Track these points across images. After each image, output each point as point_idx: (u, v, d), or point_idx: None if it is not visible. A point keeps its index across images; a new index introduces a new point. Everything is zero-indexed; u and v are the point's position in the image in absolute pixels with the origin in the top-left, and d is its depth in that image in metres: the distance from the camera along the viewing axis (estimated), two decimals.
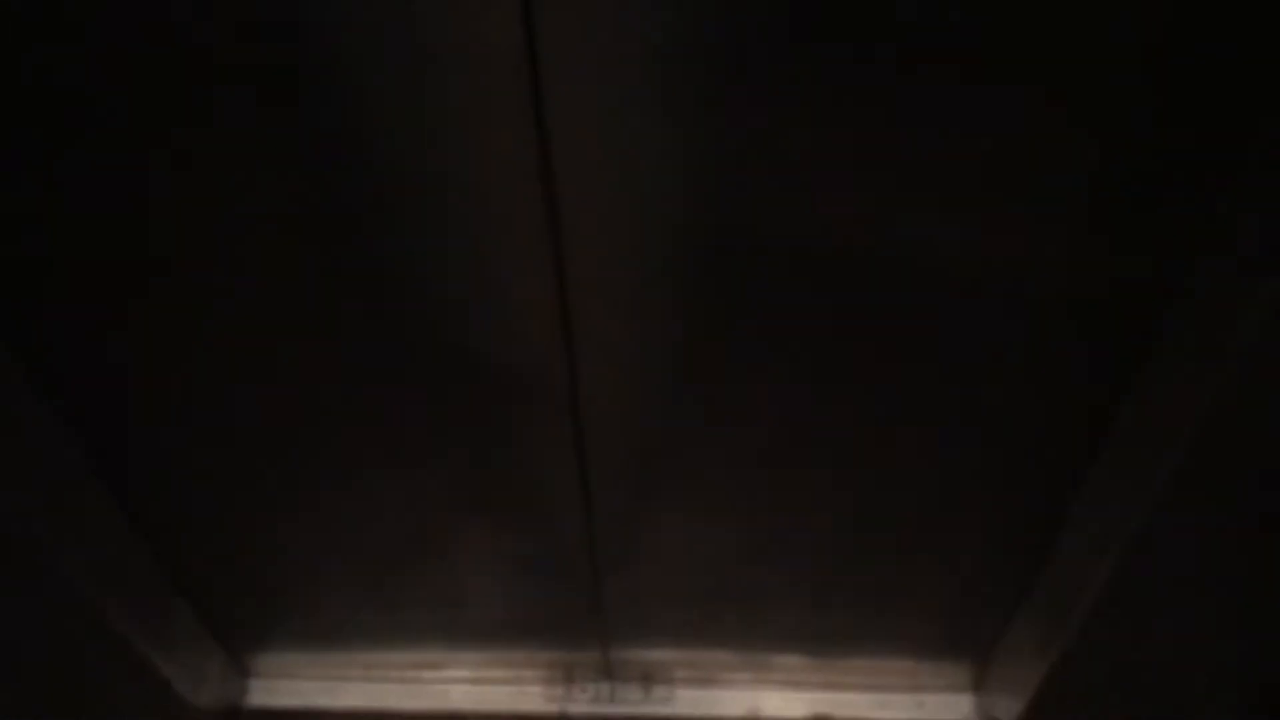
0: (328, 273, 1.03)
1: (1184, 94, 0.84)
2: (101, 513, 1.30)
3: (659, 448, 1.25)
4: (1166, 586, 1.23)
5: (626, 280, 1.03)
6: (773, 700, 1.67)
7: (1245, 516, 1.13)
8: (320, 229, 0.99)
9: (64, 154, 0.93)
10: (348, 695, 1.69)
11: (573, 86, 0.85)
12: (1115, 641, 1.32)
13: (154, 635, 1.42)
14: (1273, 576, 1.20)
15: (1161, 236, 0.95)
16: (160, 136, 0.91)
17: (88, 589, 1.30)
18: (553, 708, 1.68)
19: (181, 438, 1.25)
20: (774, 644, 1.62)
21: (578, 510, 1.34)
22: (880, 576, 1.45)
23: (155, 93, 0.87)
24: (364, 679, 1.70)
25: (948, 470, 1.25)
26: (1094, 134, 0.88)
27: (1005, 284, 1.01)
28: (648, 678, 1.69)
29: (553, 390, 1.15)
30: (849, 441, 1.22)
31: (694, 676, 1.68)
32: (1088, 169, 0.91)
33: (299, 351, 1.12)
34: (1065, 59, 0.83)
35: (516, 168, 0.91)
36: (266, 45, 0.83)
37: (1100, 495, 1.21)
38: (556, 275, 1.01)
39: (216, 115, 0.89)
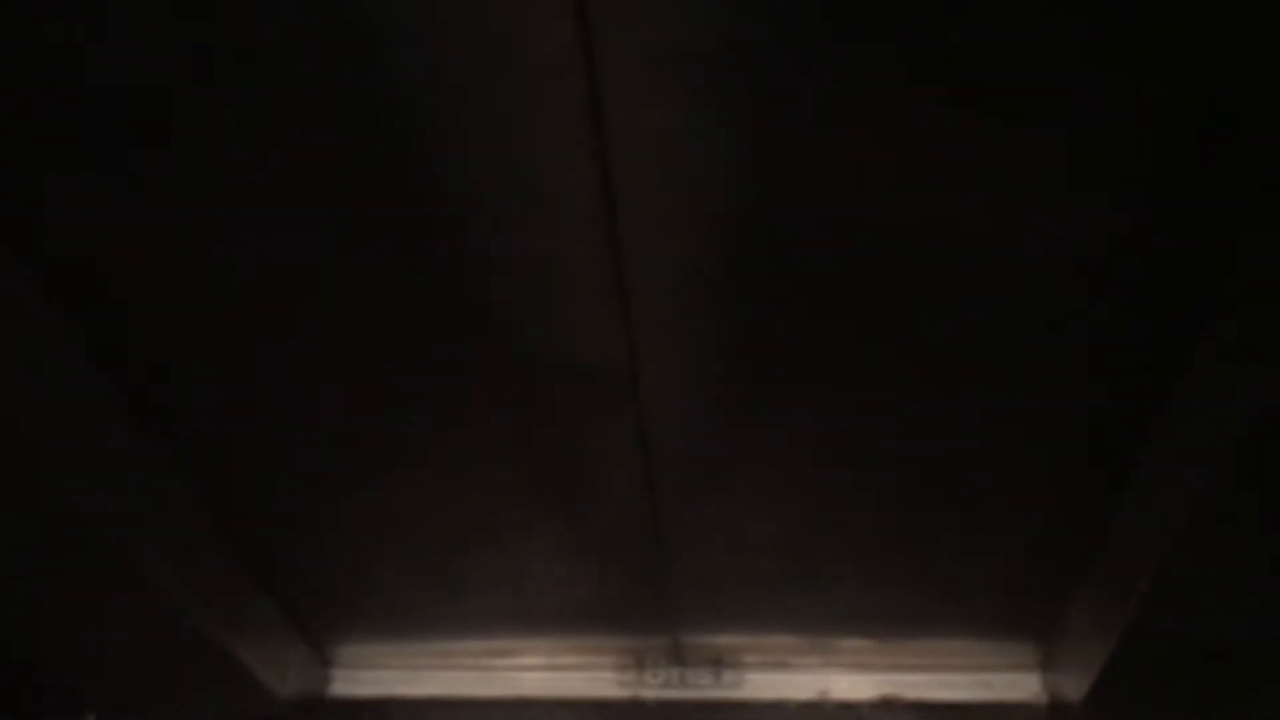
0: (394, 272, 1.06)
1: (1231, 74, 0.85)
2: (185, 510, 1.34)
3: (720, 433, 1.26)
4: (1228, 561, 1.21)
5: (685, 270, 1.05)
6: (841, 682, 1.68)
7: None
8: (386, 228, 1.02)
9: (149, 166, 0.97)
10: (425, 684, 1.73)
11: (628, 88, 0.88)
12: (1180, 617, 1.31)
13: (239, 629, 1.47)
14: None
15: (1218, 211, 0.95)
16: (238, 138, 0.94)
17: (174, 585, 1.34)
18: (625, 693, 1.71)
19: (259, 434, 1.29)
20: (841, 627, 1.63)
21: (642, 496, 1.36)
22: (943, 557, 1.46)
23: (235, 97, 0.91)
24: (440, 667, 1.74)
25: (1007, 449, 1.25)
26: (1147, 117, 0.88)
27: (1063, 265, 1.01)
28: (718, 662, 1.71)
29: (615, 379, 1.17)
30: (908, 424, 1.23)
31: (763, 660, 1.70)
32: (1142, 149, 0.91)
33: (370, 348, 1.16)
34: (1112, 42, 0.84)
35: (575, 166, 0.93)
36: (334, 57, 0.87)
37: (1161, 469, 1.20)
38: (615, 266, 1.03)
39: (285, 119, 0.93)
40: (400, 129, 0.92)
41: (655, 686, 1.71)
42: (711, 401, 1.22)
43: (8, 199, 0.99)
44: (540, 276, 1.06)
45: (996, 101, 0.88)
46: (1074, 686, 1.52)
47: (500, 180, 0.96)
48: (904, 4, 0.82)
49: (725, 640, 1.68)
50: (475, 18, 0.83)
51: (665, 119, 0.91)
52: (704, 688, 1.70)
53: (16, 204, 1.00)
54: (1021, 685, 1.65)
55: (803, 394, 1.20)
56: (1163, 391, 1.14)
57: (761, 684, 1.70)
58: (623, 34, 0.84)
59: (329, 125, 0.92)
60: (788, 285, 1.06)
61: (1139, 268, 1.01)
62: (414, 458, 1.32)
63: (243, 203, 1.00)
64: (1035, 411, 1.20)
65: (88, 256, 1.06)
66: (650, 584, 1.53)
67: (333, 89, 0.89)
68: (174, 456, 1.28)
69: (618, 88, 0.88)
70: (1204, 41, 0.83)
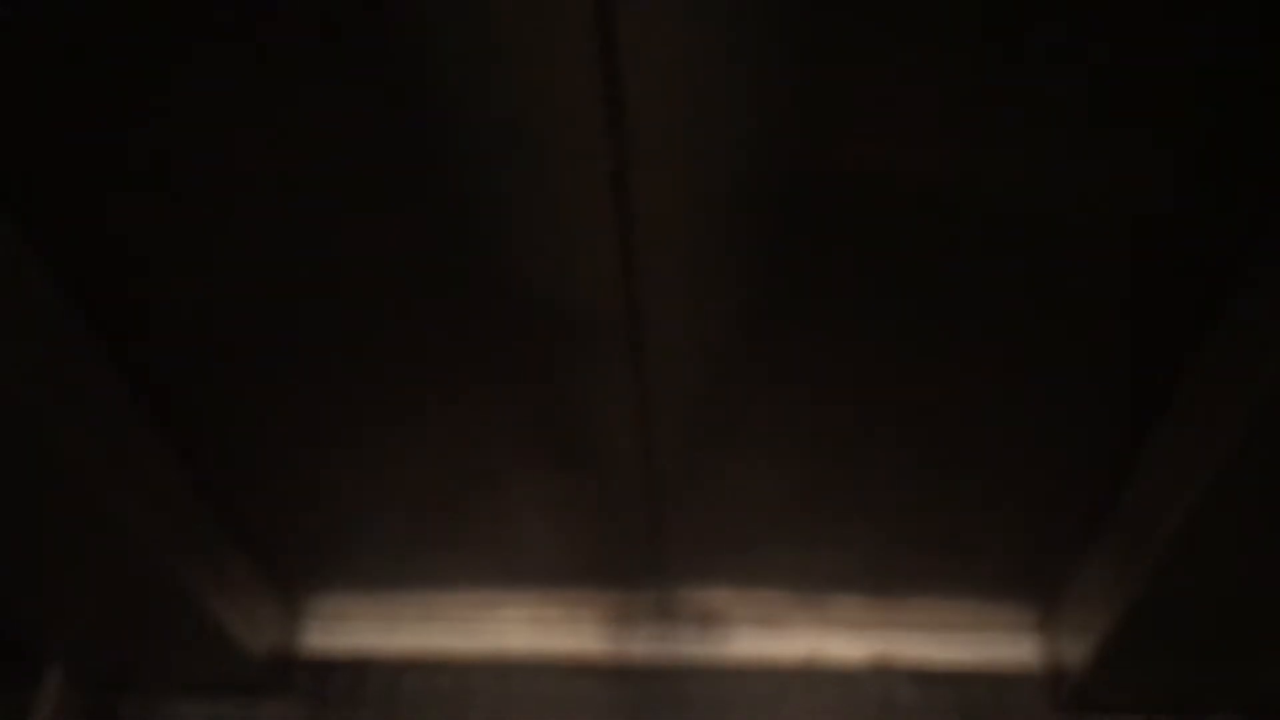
0: (385, 207, 0.99)
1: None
2: (155, 457, 1.28)
3: (722, 386, 1.22)
4: (1249, 526, 1.19)
5: (693, 216, 1.00)
6: (832, 641, 1.65)
7: None
8: (378, 163, 0.95)
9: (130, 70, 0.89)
10: (403, 637, 1.68)
11: (643, 21, 0.81)
12: (1195, 581, 1.28)
13: (210, 581, 1.41)
14: None
15: (1249, 166, 0.90)
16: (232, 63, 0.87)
17: (143, 531, 1.28)
18: (609, 647, 1.67)
19: (233, 376, 1.23)
20: (834, 585, 1.60)
21: (637, 449, 1.31)
22: (949, 516, 1.43)
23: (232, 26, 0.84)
24: (419, 620, 1.70)
25: (1022, 407, 1.22)
26: (1185, 65, 0.83)
27: (1087, 222, 0.97)
28: (705, 618, 1.67)
29: (614, 326, 1.12)
30: (921, 381, 1.19)
31: (753, 617, 1.67)
32: (1183, 96, 0.86)
33: (354, 287, 1.10)
34: None
35: (582, 101, 0.87)
36: None
37: (1179, 431, 1.17)
38: (620, 209, 0.97)
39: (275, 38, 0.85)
40: (398, 59, 0.85)
41: (641, 642, 1.67)
42: (716, 353, 1.17)
43: None
44: (542, 218, 1.00)
45: (1032, 45, 0.83)
46: (1077, 648, 1.50)
47: (502, 110, 0.89)
48: None
49: (716, 596, 1.65)
50: None
51: (684, 49, 0.84)
52: (691, 644, 1.67)
53: None
54: (1021, 646, 1.62)
55: (812, 348, 1.15)
56: (1186, 353, 1.11)
57: (750, 641, 1.66)
58: None
59: (329, 70, 0.86)
60: (803, 235, 1.01)
61: (1170, 227, 0.97)
62: (399, 406, 1.26)
63: (235, 124, 0.93)
64: (1053, 370, 1.16)
65: (69, 188, 0.99)
66: (643, 538, 1.50)
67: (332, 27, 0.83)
68: (147, 401, 1.22)
69: (633, 21, 0.81)
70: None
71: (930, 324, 1.11)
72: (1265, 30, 0.80)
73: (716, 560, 1.57)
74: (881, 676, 1.63)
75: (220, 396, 1.26)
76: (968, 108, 0.88)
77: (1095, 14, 0.80)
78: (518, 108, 0.89)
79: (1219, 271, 1.01)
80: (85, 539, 1.29)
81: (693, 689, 1.64)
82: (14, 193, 0.98)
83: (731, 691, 1.64)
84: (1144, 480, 1.26)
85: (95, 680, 1.62)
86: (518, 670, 1.66)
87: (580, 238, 1.02)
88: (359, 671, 1.67)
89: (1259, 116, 0.87)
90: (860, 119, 0.89)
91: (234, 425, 1.31)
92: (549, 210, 0.99)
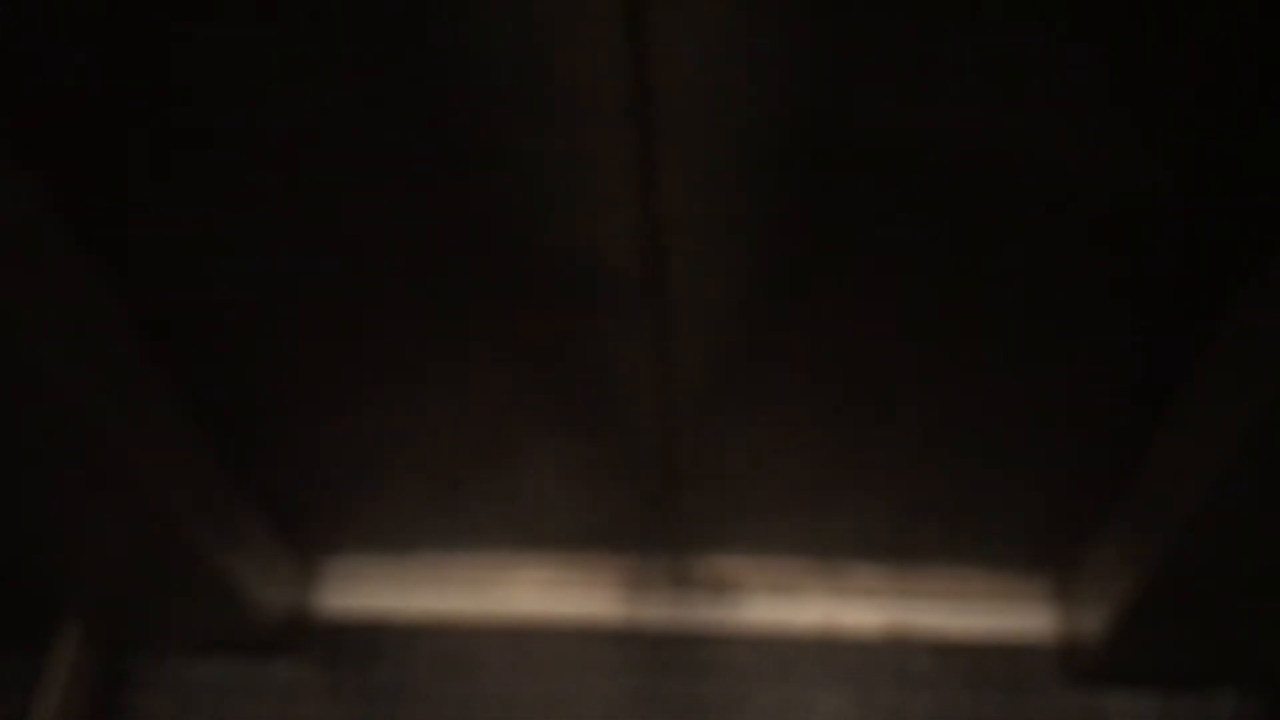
0: (403, 163, 0.98)
1: None
2: (173, 415, 1.27)
3: (741, 354, 1.21)
4: (1264, 502, 1.17)
5: (717, 178, 0.98)
6: (847, 610, 1.64)
7: None
8: (395, 114, 0.93)
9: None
10: (417, 599, 1.68)
11: None
12: (1208, 558, 1.28)
13: (225, 540, 1.41)
14: None
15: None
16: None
17: (160, 493, 1.28)
18: (622, 613, 1.67)
19: (253, 336, 1.22)
20: (850, 554, 1.60)
21: (654, 416, 1.31)
22: (961, 486, 1.42)
23: None
24: (434, 582, 1.69)
25: (1035, 379, 1.21)
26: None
27: (1105, 188, 0.96)
28: (720, 585, 1.67)
29: (633, 293, 1.11)
30: (934, 350, 1.18)
31: (767, 584, 1.66)
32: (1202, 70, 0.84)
33: (370, 247, 1.09)
34: None
35: (606, 53, 0.85)
36: None
37: (1197, 405, 1.15)
38: (643, 169, 0.96)
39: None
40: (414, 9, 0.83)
41: (654, 607, 1.67)
42: (735, 322, 1.16)
43: None
44: (561, 174, 0.98)
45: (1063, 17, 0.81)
46: (1092, 620, 1.49)
47: (523, 60, 0.87)
48: None
49: (730, 562, 1.65)
50: None
51: (711, 9, 0.83)
52: (704, 610, 1.66)
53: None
54: (1037, 617, 1.61)
55: (832, 319, 1.14)
56: (1209, 323, 1.09)
57: (764, 609, 1.66)
58: None
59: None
60: (826, 199, 1.00)
61: (1190, 196, 0.95)
62: (416, 365, 1.25)
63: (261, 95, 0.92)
64: (1074, 341, 1.15)
65: (88, 151, 0.97)
66: (657, 503, 1.49)
67: None
68: (166, 357, 1.21)
69: None
70: None
71: (954, 293, 1.10)
72: (1265, 28, 0.79)
73: (731, 527, 1.57)
74: (896, 646, 1.62)
75: (238, 356, 1.25)
76: (1002, 80, 0.86)
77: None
78: (544, 71, 0.88)
79: (1238, 247, 0.99)
80: (101, 498, 1.28)
81: (706, 656, 1.64)
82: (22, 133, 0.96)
83: (745, 659, 1.63)
84: (1161, 454, 1.25)
85: (110, 639, 1.63)
86: (531, 634, 1.65)
87: (602, 202, 1.01)
88: (373, 633, 1.67)
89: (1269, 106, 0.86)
90: (891, 85, 0.88)
91: (252, 386, 1.30)
92: (571, 174, 0.98)
